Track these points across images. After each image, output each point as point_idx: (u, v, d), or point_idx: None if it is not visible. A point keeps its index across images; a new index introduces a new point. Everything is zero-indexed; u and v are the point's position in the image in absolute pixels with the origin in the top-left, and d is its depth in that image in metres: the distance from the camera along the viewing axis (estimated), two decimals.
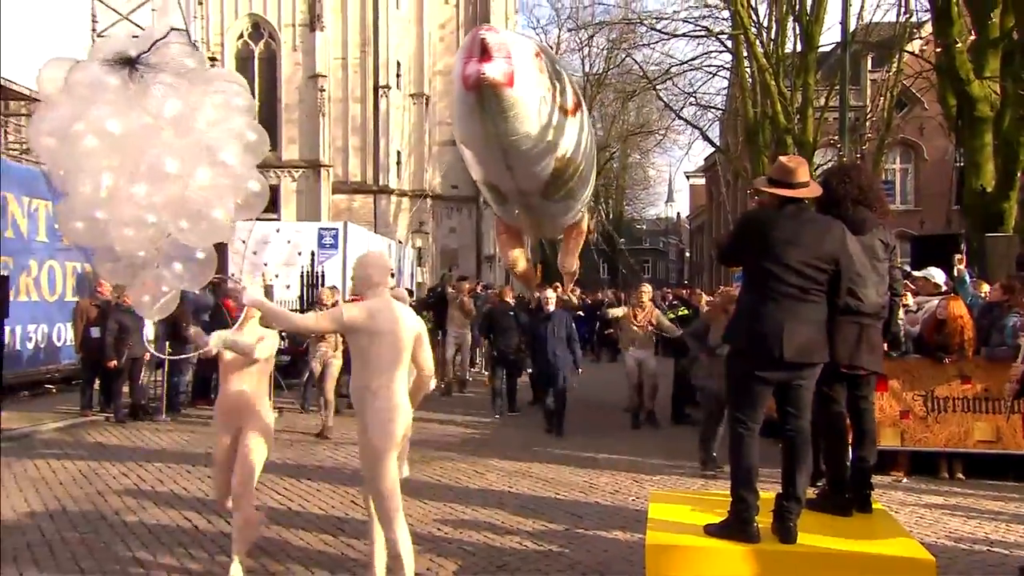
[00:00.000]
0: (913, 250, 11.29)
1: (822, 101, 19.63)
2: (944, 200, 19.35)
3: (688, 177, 49.69)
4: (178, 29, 2.93)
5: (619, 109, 33.90)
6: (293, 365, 9.95)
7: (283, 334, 9.13)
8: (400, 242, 22.19)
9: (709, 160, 38.98)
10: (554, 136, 5.57)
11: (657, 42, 23.33)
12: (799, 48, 18.71)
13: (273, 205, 24.07)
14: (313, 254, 12.20)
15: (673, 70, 22.81)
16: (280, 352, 9.59)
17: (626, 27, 24.17)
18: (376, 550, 3.50)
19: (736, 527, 3.10)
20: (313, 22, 26.94)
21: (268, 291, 9.40)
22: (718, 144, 27.98)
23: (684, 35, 21.79)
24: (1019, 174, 10.51)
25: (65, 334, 10.12)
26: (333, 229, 12.78)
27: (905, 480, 5.91)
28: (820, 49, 19.28)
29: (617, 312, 8.79)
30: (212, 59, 21.41)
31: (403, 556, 3.30)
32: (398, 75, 28.30)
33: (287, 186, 26.83)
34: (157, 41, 2.83)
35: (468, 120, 5.28)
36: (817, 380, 3.30)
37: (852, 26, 14.04)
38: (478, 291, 13.25)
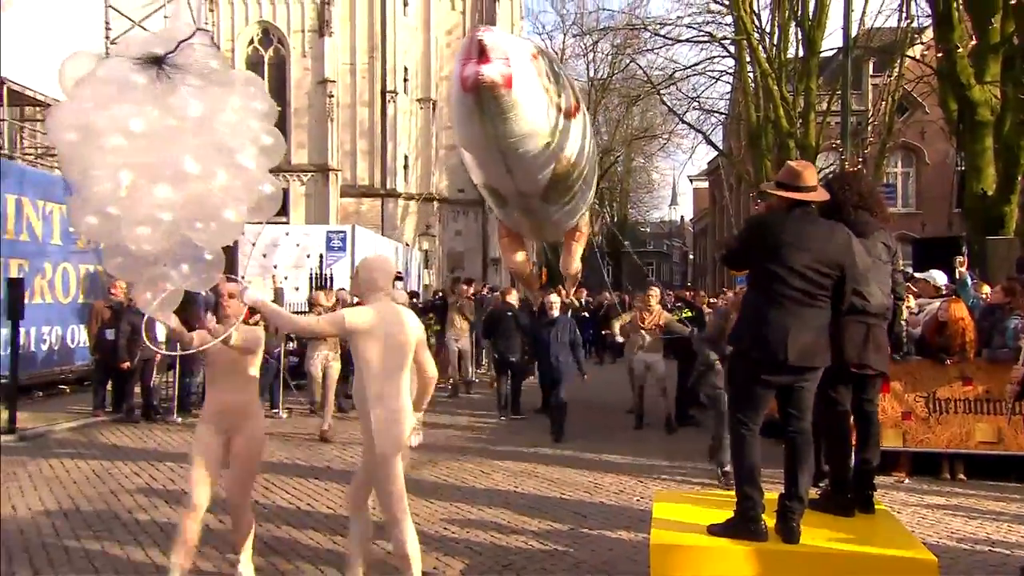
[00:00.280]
0: (915, 253, 11.33)
1: (824, 105, 19.68)
2: (945, 203, 19.40)
3: (691, 181, 49.84)
4: (203, 30, 2.95)
5: (623, 113, 34.06)
6: (302, 365, 10.03)
7: (291, 335, 9.22)
8: (407, 245, 22.33)
9: (712, 164, 39.10)
10: (554, 138, 5.46)
11: (661, 47, 23.49)
12: (801, 53, 18.77)
13: (282, 209, 24.17)
14: (321, 257, 12.35)
15: (677, 75, 22.95)
16: (289, 353, 9.65)
17: (630, 33, 24.35)
18: (353, 546, 3.48)
19: (743, 525, 3.13)
20: (322, 28, 27.17)
21: (279, 294, 9.46)
22: (721, 148, 28.05)
23: (687, 41, 21.99)
24: (1020, 177, 10.55)
25: (78, 336, 10.23)
26: (341, 232, 12.94)
27: (907, 481, 5.95)
28: (822, 54, 19.37)
29: (624, 318, 8.59)
30: None
31: (411, 555, 3.34)
32: (405, 80, 28.51)
33: (296, 190, 27.03)
34: (183, 42, 2.80)
35: (467, 122, 5.18)
36: (821, 381, 3.32)
37: (854, 31, 14.07)
38: (484, 293, 13.30)
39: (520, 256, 8.73)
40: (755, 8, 20.27)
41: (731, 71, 23.31)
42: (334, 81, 27.18)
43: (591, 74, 31.60)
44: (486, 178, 6.30)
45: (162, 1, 15.18)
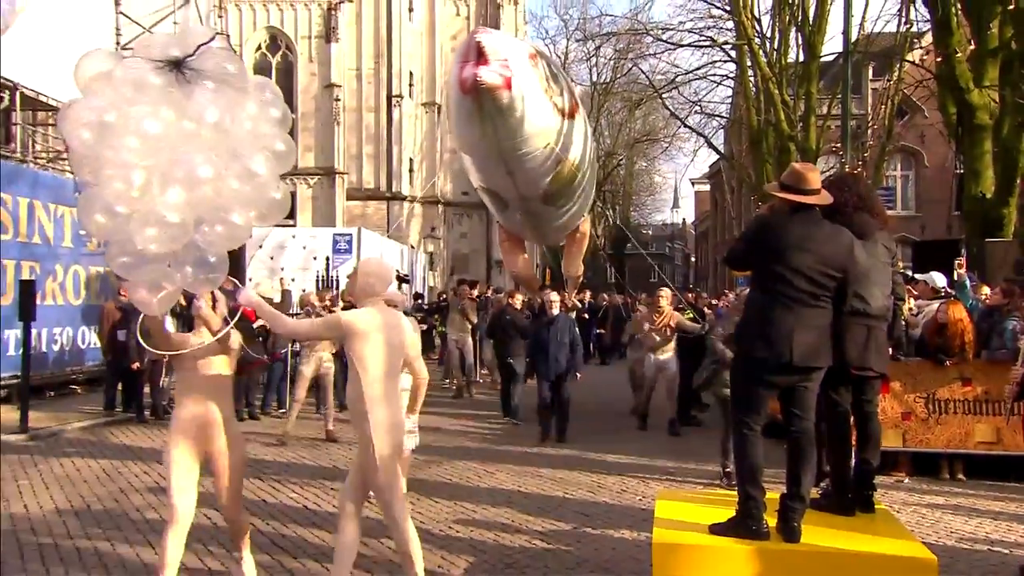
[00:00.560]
0: (914, 255, 11.35)
1: (824, 109, 19.74)
2: (944, 206, 19.39)
3: (693, 184, 49.87)
4: (221, 33, 2.96)
5: (626, 117, 34.16)
6: None
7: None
8: (412, 247, 22.43)
9: (714, 167, 39.15)
10: (555, 139, 5.40)
11: (663, 52, 23.54)
12: (802, 58, 18.81)
13: (290, 211, 24.21)
14: (328, 259, 12.45)
15: (679, 79, 23.00)
16: (296, 354, 9.73)
17: (633, 38, 24.40)
18: (337, 561, 3.41)
19: (745, 524, 3.14)
20: (329, 34, 27.34)
21: (286, 296, 9.52)
22: (722, 151, 28.08)
23: (689, 45, 21.98)
24: (1018, 180, 10.59)
25: (89, 337, 10.32)
26: (347, 234, 13.06)
27: (907, 481, 5.99)
28: (822, 59, 19.38)
29: (638, 320, 8.49)
30: None
31: (413, 553, 3.38)
32: (411, 85, 28.68)
33: (303, 193, 27.16)
34: (201, 45, 2.79)
35: (466, 125, 5.12)
36: (823, 382, 3.33)
37: (853, 36, 14.12)
38: (488, 295, 13.37)
39: (521, 259, 8.72)
40: (756, 13, 20.38)
41: (732, 75, 23.36)
42: (340, 86, 27.34)
43: (594, 78, 31.74)
44: (486, 181, 6.24)
45: (172, 7, 15.32)
